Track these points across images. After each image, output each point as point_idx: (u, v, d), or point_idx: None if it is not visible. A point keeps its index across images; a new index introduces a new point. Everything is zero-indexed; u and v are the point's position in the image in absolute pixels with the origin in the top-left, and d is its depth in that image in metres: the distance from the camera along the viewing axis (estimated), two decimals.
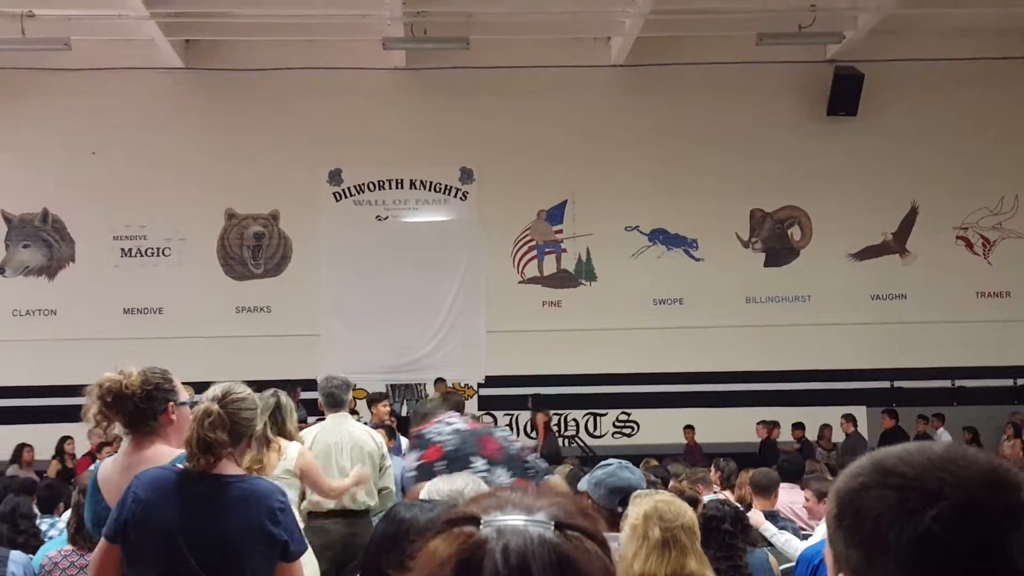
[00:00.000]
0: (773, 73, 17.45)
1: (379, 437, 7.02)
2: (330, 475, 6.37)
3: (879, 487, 1.18)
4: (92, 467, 4.14)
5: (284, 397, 6.02)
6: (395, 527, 2.57)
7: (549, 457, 8.93)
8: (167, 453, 3.67)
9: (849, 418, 16.08)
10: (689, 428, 16.46)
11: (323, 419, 7.04)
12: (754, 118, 17.65)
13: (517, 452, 4.97)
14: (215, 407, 3.43)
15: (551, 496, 1.19)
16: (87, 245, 17.33)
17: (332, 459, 6.70)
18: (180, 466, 3.48)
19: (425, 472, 4.61)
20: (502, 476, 4.73)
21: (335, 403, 6.86)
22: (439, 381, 16.68)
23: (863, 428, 16.30)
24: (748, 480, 7.28)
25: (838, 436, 16.18)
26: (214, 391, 3.51)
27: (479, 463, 4.75)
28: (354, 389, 15.50)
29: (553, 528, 1.13)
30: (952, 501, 1.14)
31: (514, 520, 1.13)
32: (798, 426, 16.18)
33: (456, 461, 4.69)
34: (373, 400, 10.50)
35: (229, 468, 3.48)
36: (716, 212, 17.58)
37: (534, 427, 16.30)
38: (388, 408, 10.82)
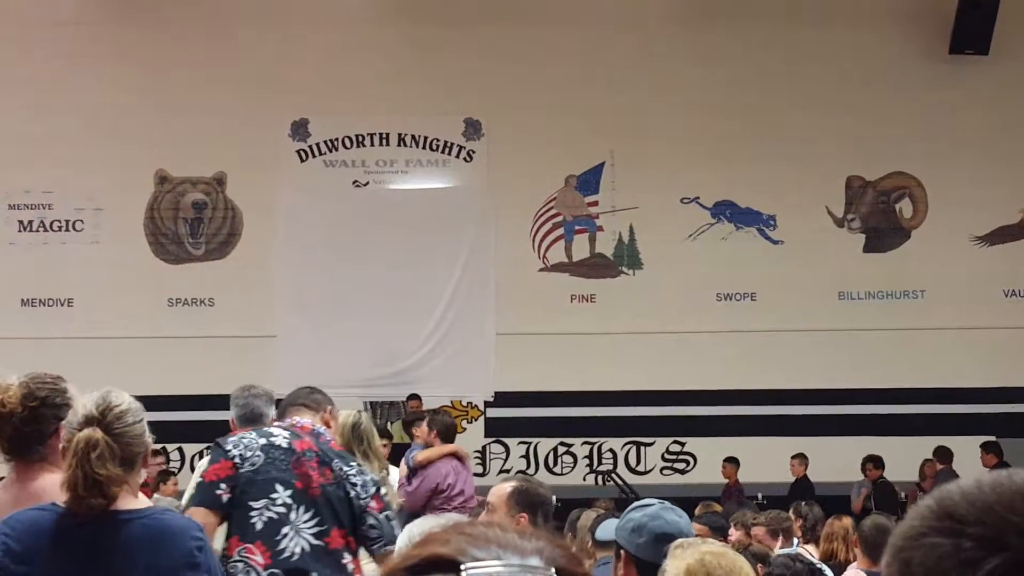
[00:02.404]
0: None
1: None
2: None
3: (933, 533, 1.18)
4: None
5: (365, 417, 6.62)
6: None
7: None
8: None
9: (942, 451, 15.88)
10: (731, 461, 16.35)
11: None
12: (852, 59, 17.64)
13: (363, 502, 5.01)
14: (98, 434, 3.39)
15: (539, 534, 1.20)
16: None
17: None
18: (64, 504, 3.48)
19: (203, 493, 4.78)
20: (303, 521, 4.83)
21: (252, 418, 6.79)
22: (412, 398, 16.54)
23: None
24: (839, 529, 7.20)
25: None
26: (87, 409, 3.48)
27: (281, 494, 4.82)
28: None
29: None
30: (1016, 553, 1.13)
31: (502, 567, 1.14)
32: (875, 462, 16.02)
33: (251, 485, 4.81)
34: (410, 422, 10.78)
35: (126, 501, 3.47)
36: (801, 181, 17.59)
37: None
38: (389, 448, 11.02)
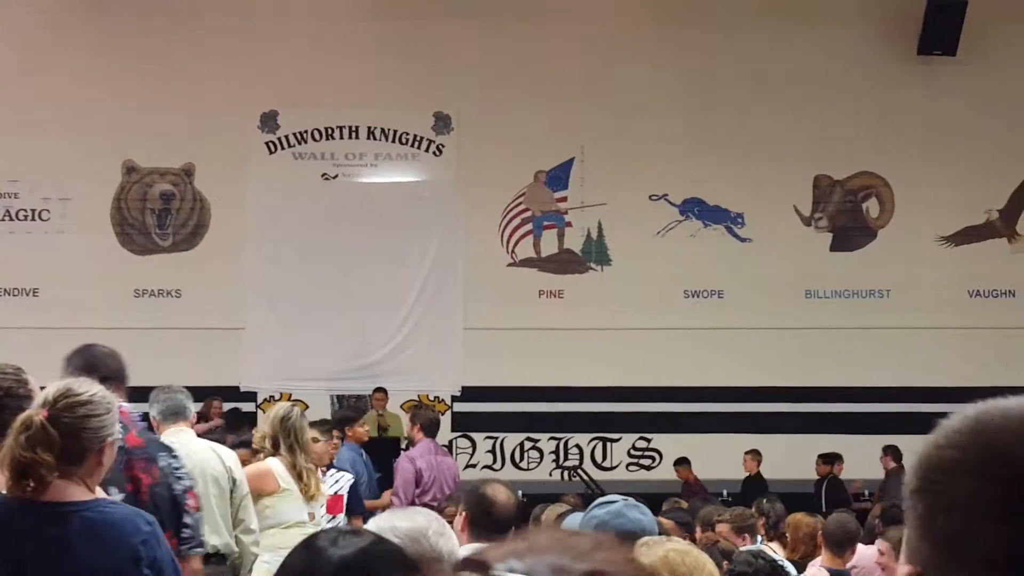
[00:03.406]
0: None
1: (229, 455, 6.93)
2: None
3: (973, 472, 1.12)
4: None
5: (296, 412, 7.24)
6: (314, 562, 2.61)
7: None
8: None
9: (891, 451, 15.98)
10: (683, 462, 16.31)
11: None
12: (822, 58, 17.63)
13: (185, 500, 4.96)
14: (38, 417, 3.37)
15: (593, 547, 1.19)
16: None
17: None
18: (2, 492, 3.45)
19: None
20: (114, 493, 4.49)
21: (175, 411, 6.79)
22: (377, 391, 16.38)
23: None
24: (804, 526, 7.23)
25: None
26: (46, 393, 3.48)
27: (115, 497, 4.52)
28: (290, 399, 15.58)
29: None
30: None
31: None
32: (827, 459, 16.10)
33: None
34: (345, 420, 10.73)
35: (71, 493, 3.43)
36: (769, 179, 17.60)
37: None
38: (366, 429, 11.02)
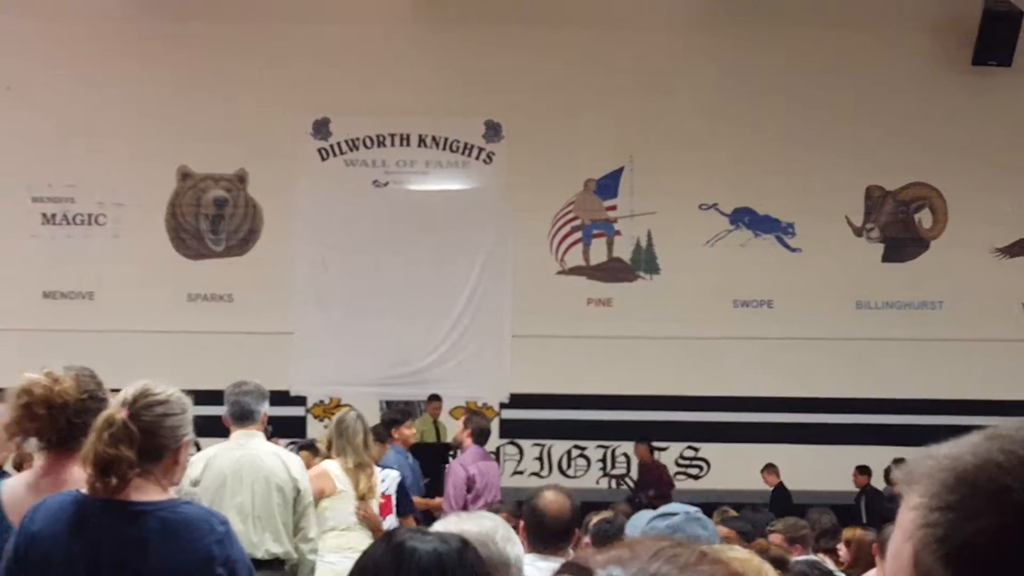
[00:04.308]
0: (902, 8, 17.34)
1: (296, 463, 6.90)
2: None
3: (990, 507, 1.05)
4: None
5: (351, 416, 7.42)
6: (400, 558, 2.55)
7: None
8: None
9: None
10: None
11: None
12: (875, 67, 17.56)
13: None
14: (120, 415, 3.43)
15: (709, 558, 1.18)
16: None
17: (226, 494, 6.57)
18: (82, 491, 3.49)
19: None
20: None
21: (243, 415, 6.76)
22: (433, 399, 16.40)
23: None
24: (865, 542, 7.18)
25: None
26: (125, 393, 3.53)
27: None
28: (339, 406, 15.65)
29: None
30: None
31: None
32: (864, 469, 16.09)
33: None
34: (392, 422, 10.68)
35: (147, 492, 3.46)
36: (820, 189, 17.53)
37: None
38: (413, 432, 10.99)
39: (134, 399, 3.49)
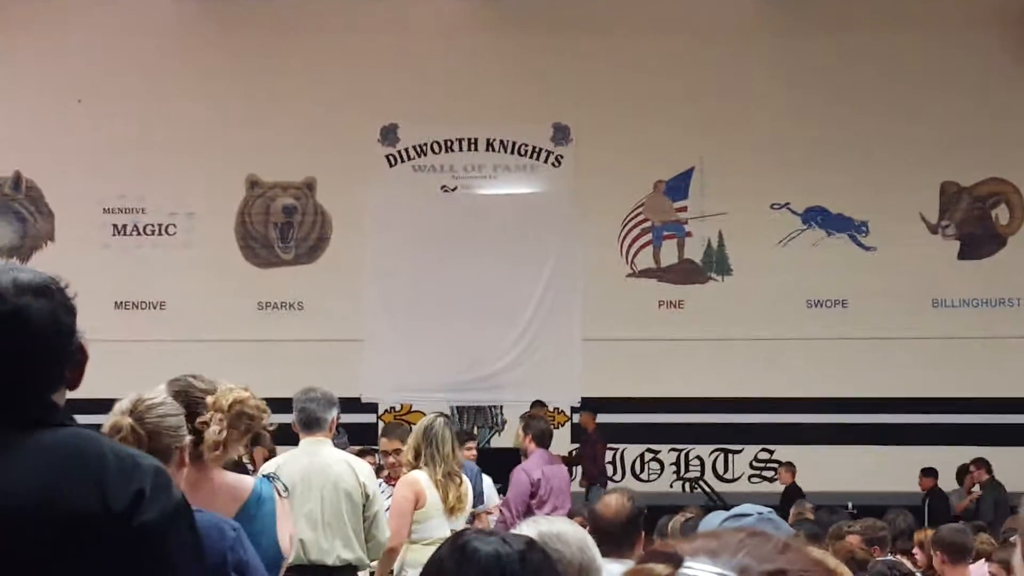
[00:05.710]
0: (966, 5, 17.24)
1: (364, 468, 6.86)
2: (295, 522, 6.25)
3: None
4: None
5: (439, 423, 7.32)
6: (462, 558, 2.61)
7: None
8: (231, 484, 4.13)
9: (983, 463, 15.65)
10: (930, 472, 15.98)
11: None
12: (946, 61, 17.42)
13: None
14: (125, 421, 3.49)
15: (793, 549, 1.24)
16: (70, 220, 17.67)
17: (296, 502, 6.50)
18: None
19: None
20: None
21: (311, 423, 6.74)
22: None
23: None
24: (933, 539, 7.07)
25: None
26: (121, 404, 3.60)
27: None
28: (410, 412, 15.68)
29: None
30: None
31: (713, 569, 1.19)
32: (929, 472, 15.91)
33: None
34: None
35: None
36: (893, 187, 17.37)
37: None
38: (474, 452, 10.68)
39: (133, 405, 3.55)
